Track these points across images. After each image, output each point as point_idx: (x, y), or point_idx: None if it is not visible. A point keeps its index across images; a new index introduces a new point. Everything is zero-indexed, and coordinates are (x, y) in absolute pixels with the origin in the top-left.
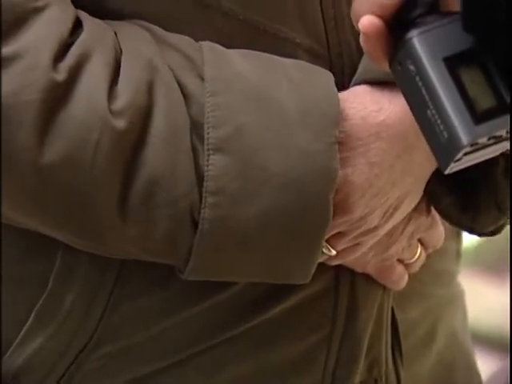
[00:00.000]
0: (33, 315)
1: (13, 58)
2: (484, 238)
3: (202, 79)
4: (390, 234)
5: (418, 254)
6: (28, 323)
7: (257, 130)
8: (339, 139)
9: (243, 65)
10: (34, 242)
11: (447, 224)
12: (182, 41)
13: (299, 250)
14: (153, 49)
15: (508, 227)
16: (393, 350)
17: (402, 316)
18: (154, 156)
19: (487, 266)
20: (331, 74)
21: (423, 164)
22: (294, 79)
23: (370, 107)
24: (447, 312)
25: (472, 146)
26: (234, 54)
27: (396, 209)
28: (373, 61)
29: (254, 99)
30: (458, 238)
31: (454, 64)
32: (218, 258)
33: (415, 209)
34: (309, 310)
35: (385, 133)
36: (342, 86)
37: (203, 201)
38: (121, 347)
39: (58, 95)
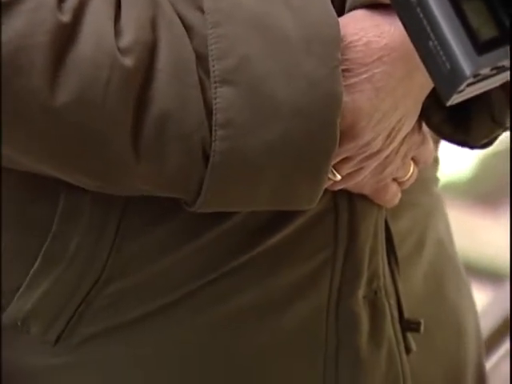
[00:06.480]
0: (39, 259)
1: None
2: (480, 171)
3: (203, 11)
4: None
5: (411, 172)
6: (34, 267)
7: (262, 60)
8: (344, 66)
9: None
10: (35, 186)
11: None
12: None
13: (307, 176)
14: None
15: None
16: (389, 262)
17: (395, 227)
18: (162, 91)
19: (482, 197)
20: None
21: (422, 86)
22: (293, 5)
23: (372, 32)
24: (433, 219)
25: (475, 76)
26: None
27: (398, 131)
28: None
29: (257, 28)
30: (436, 143)
31: None
32: (228, 189)
33: None
34: (311, 232)
35: (388, 57)
36: (343, 4)
37: (213, 134)
38: (129, 284)
39: (66, 36)
